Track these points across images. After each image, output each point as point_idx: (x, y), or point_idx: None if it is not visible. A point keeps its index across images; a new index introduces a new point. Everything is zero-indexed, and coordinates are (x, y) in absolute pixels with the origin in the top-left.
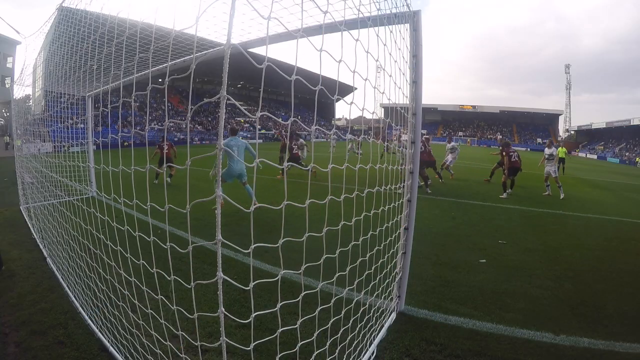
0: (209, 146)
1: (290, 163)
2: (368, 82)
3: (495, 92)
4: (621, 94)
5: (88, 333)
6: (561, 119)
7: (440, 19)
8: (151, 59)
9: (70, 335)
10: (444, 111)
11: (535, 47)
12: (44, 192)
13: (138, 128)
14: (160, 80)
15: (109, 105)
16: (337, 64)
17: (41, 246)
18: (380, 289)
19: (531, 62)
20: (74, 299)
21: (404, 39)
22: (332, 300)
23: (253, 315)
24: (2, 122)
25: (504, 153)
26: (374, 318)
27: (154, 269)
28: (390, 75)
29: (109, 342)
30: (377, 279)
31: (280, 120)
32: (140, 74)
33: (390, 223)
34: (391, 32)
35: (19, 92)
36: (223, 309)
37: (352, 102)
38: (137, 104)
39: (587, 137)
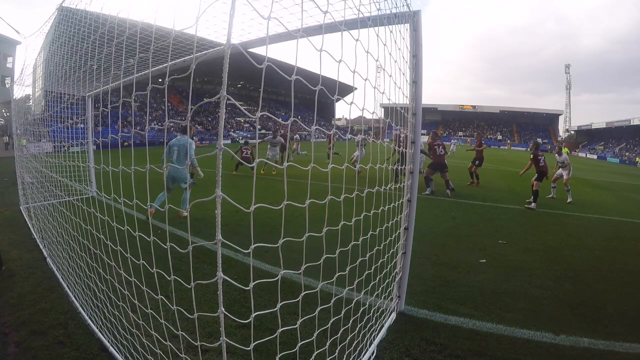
0: (209, 146)
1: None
2: (368, 82)
3: (495, 92)
4: (621, 94)
5: (88, 333)
6: (561, 119)
7: (440, 19)
8: (151, 59)
9: (70, 335)
10: (444, 111)
11: (535, 47)
12: (44, 192)
13: (138, 128)
14: (160, 80)
15: (109, 106)
16: (337, 64)
17: (41, 246)
18: (380, 289)
19: (531, 62)
20: (74, 299)
21: (404, 39)
22: (332, 300)
23: (253, 315)
24: (2, 122)
25: (532, 156)
26: (374, 318)
27: (154, 269)
28: (390, 75)
29: (109, 342)
30: (377, 279)
31: (280, 120)
32: (140, 74)
33: (390, 223)
34: (391, 32)
35: (19, 92)
36: (223, 309)
37: (352, 102)
38: (137, 104)
39: (587, 137)
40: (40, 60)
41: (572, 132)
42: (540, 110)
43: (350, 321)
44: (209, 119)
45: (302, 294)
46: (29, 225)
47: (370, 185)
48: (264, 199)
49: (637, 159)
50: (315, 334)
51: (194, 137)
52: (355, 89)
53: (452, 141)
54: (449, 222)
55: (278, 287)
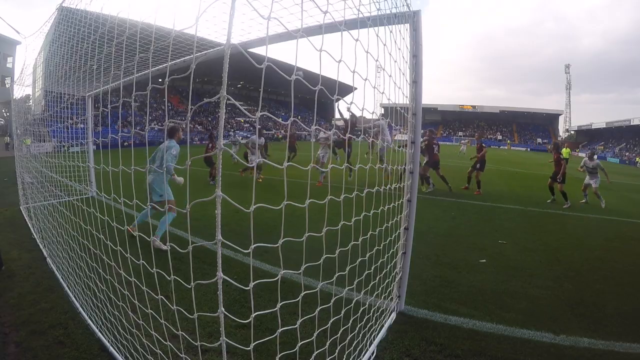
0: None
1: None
2: (368, 82)
3: (495, 92)
4: (621, 93)
5: (88, 333)
6: (561, 119)
7: (440, 19)
8: (151, 59)
9: (70, 335)
10: (444, 111)
11: (535, 47)
12: (44, 192)
13: (138, 128)
14: (160, 80)
15: (108, 106)
16: (337, 64)
17: (41, 246)
18: (380, 288)
19: (531, 62)
20: (74, 299)
21: (404, 39)
22: (332, 300)
23: (253, 315)
24: (2, 122)
25: (556, 156)
26: (374, 318)
27: (154, 269)
28: (390, 75)
29: (109, 342)
30: (377, 278)
31: (280, 120)
32: (140, 74)
33: (390, 223)
34: (391, 32)
35: (19, 92)
36: (223, 309)
37: (351, 102)
38: (137, 104)
39: (587, 137)
40: (40, 60)
41: (572, 132)
42: (540, 110)
43: (350, 321)
44: (209, 118)
45: (302, 294)
46: (29, 225)
47: (370, 185)
48: (264, 199)
49: (637, 158)
50: (315, 334)
51: (195, 139)
52: (355, 89)
53: (462, 141)
54: (449, 222)
55: (278, 287)
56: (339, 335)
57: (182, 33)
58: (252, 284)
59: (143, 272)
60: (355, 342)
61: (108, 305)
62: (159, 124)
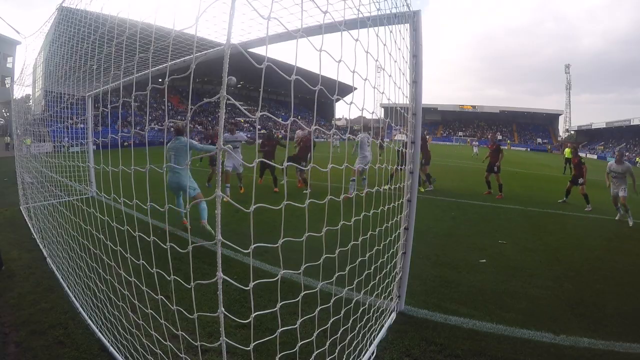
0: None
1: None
2: (368, 82)
3: (495, 92)
4: (621, 93)
5: (88, 333)
6: (561, 119)
7: (440, 19)
8: (151, 59)
9: (70, 335)
10: (444, 111)
11: (535, 47)
12: (44, 192)
13: (138, 128)
14: (160, 80)
15: (108, 105)
16: (337, 64)
17: (41, 246)
18: (380, 289)
19: (531, 62)
20: (73, 299)
21: (403, 39)
22: (332, 300)
23: (253, 315)
24: (3, 122)
25: (577, 161)
26: (374, 318)
27: (154, 269)
28: (390, 75)
29: (109, 342)
30: (377, 278)
31: (280, 120)
32: (140, 74)
33: (390, 223)
34: (391, 32)
35: (19, 92)
36: (223, 309)
37: (351, 102)
38: (137, 104)
39: (587, 137)
40: (40, 60)
41: (572, 132)
42: (540, 110)
43: (350, 321)
44: (209, 118)
45: (302, 293)
46: (29, 225)
47: (370, 186)
48: (263, 198)
49: (637, 159)
50: (315, 334)
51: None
52: (355, 89)
53: (474, 143)
54: (449, 222)
55: (278, 287)
56: (338, 335)
57: (182, 33)
58: (252, 284)
59: (143, 272)
60: (355, 342)
61: (108, 305)
62: (159, 124)
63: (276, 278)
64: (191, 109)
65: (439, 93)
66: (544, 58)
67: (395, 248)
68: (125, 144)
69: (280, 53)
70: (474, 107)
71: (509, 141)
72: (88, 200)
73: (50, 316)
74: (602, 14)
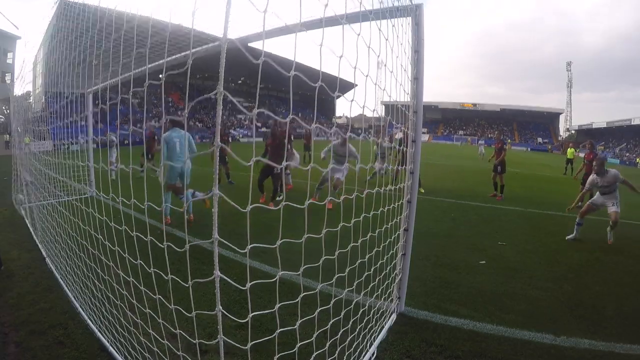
0: (208, 144)
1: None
2: (369, 78)
3: (495, 89)
4: (622, 91)
5: (88, 333)
6: (562, 117)
7: (440, 16)
8: (149, 55)
9: (70, 335)
10: (444, 109)
11: (536, 44)
12: (44, 192)
13: (138, 125)
14: (160, 76)
15: (107, 103)
16: (338, 60)
17: (40, 246)
18: (380, 290)
19: (531, 59)
20: (73, 298)
21: (405, 33)
22: (332, 302)
23: (250, 315)
24: (3, 120)
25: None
26: (374, 319)
27: (152, 269)
28: (392, 72)
29: (108, 342)
30: (377, 280)
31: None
32: (138, 69)
33: (389, 224)
34: (393, 26)
35: (19, 89)
36: (221, 308)
37: (352, 100)
38: (137, 101)
39: (587, 136)
40: (40, 56)
41: (573, 132)
42: (541, 109)
43: (350, 322)
44: (210, 115)
45: (301, 295)
46: (29, 225)
47: (370, 187)
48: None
49: (637, 159)
50: (314, 335)
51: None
52: (356, 85)
53: (480, 142)
54: (449, 223)
55: (276, 287)
56: (338, 336)
57: (180, 27)
58: (249, 284)
59: (141, 272)
60: (355, 343)
61: (106, 304)
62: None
63: (274, 279)
64: (189, 105)
65: (439, 90)
66: (545, 55)
67: (395, 249)
68: (126, 142)
69: (282, 48)
70: (474, 105)
71: (509, 140)
72: (87, 200)
73: (50, 316)
74: (604, 11)
